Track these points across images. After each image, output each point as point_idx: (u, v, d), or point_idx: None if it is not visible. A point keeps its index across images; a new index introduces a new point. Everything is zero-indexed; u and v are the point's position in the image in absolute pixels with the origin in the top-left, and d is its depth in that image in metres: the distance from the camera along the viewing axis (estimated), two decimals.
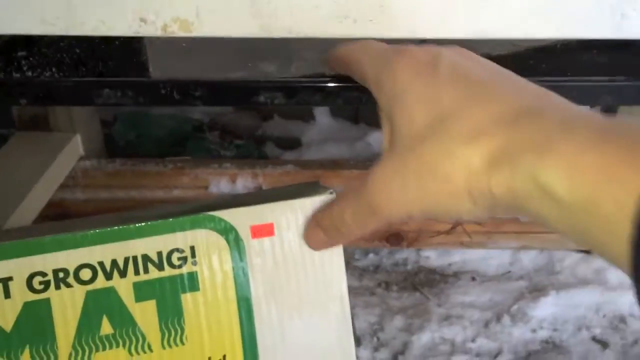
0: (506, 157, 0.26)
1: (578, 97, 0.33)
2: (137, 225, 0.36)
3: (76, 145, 0.76)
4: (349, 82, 0.33)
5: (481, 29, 0.31)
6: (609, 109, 0.81)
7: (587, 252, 0.82)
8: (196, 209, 0.38)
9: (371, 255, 0.86)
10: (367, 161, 0.82)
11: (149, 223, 0.37)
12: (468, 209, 0.28)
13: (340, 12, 0.31)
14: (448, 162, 0.27)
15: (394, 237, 0.81)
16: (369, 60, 0.32)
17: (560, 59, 0.35)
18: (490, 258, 0.84)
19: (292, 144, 1.07)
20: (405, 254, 0.86)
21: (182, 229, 0.37)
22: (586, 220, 0.24)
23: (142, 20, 0.30)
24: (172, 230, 0.37)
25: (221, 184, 0.76)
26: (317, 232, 0.35)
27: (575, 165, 0.24)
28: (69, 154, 0.74)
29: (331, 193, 0.38)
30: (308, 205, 0.37)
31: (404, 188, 0.29)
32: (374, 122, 1.00)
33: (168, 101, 0.34)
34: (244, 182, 0.77)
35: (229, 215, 0.37)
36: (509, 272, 0.83)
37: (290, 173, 0.76)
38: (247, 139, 1.08)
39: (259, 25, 0.30)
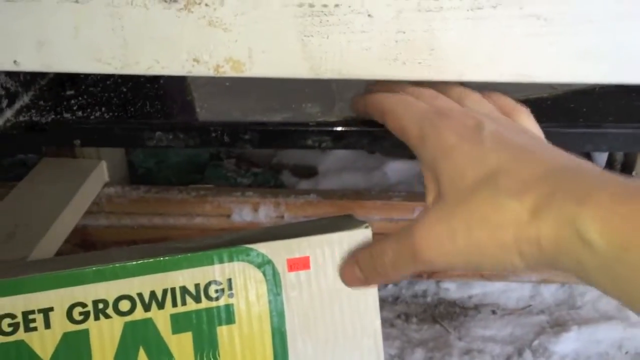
0: (550, 207, 0.28)
1: (625, 143, 0.34)
2: (176, 257, 0.37)
3: (101, 172, 0.76)
4: None
5: (528, 73, 0.32)
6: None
7: None
8: (234, 241, 0.38)
9: (390, 286, 0.86)
10: (388, 191, 0.82)
11: (188, 255, 0.37)
12: (513, 262, 0.30)
13: (389, 54, 0.32)
14: (498, 213, 0.30)
15: None
16: (411, 117, 0.34)
17: (601, 103, 0.36)
18: (511, 291, 0.84)
19: (308, 172, 1.07)
20: (425, 286, 0.86)
21: (220, 261, 0.37)
22: (618, 267, 0.26)
23: (196, 60, 0.30)
24: (211, 262, 0.37)
25: (243, 213, 0.77)
26: (354, 269, 0.37)
27: (610, 215, 0.26)
28: (95, 181, 0.75)
29: (367, 227, 0.38)
30: (344, 239, 0.38)
31: (452, 237, 0.31)
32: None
33: (218, 143, 0.34)
34: (266, 211, 0.77)
35: (266, 248, 0.37)
36: (530, 305, 0.82)
37: (313, 203, 0.77)
38: (263, 166, 1.08)
39: (310, 67, 0.31)
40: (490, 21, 0.30)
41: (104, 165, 0.76)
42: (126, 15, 0.29)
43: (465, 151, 0.32)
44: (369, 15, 0.30)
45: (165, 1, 0.29)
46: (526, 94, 0.39)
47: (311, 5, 0.30)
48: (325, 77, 0.31)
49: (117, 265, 0.36)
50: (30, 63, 0.30)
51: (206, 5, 0.29)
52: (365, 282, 0.37)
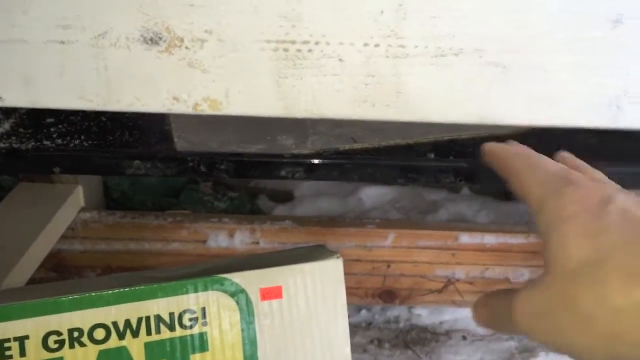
0: None
1: None
2: (151, 286, 0.38)
3: (78, 197, 0.77)
4: (361, 160, 0.36)
5: (488, 115, 0.34)
6: None
7: None
8: (208, 271, 0.39)
9: (363, 312, 0.87)
10: (363, 218, 0.84)
11: (163, 284, 0.38)
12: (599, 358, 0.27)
13: (359, 96, 0.33)
14: (597, 306, 0.27)
15: (387, 294, 0.82)
16: (537, 180, 0.32)
17: (559, 139, 0.38)
18: None
19: (284, 197, 1.08)
20: (397, 312, 0.87)
21: (195, 290, 0.38)
22: None
23: (175, 98, 0.32)
24: (185, 291, 0.38)
25: (219, 238, 0.78)
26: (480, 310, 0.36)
27: None
28: (71, 206, 0.75)
29: (338, 257, 0.40)
30: (316, 269, 0.39)
31: (543, 317, 0.29)
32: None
33: (195, 173, 0.35)
34: (241, 237, 0.78)
35: (239, 277, 0.38)
36: None
37: (288, 229, 0.78)
38: (239, 191, 1.09)
39: (283, 106, 0.33)
40: (453, 68, 0.32)
41: (80, 190, 0.77)
42: (110, 56, 0.31)
43: (578, 223, 0.28)
44: (340, 60, 0.32)
45: (147, 43, 0.30)
46: (490, 131, 0.42)
47: (286, 50, 0.31)
48: (298, 117, 0.33)
49: (93, 294, 0.37)
50: (16, 99, 0.32)
51: (186, 47, 0.31)
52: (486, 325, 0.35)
